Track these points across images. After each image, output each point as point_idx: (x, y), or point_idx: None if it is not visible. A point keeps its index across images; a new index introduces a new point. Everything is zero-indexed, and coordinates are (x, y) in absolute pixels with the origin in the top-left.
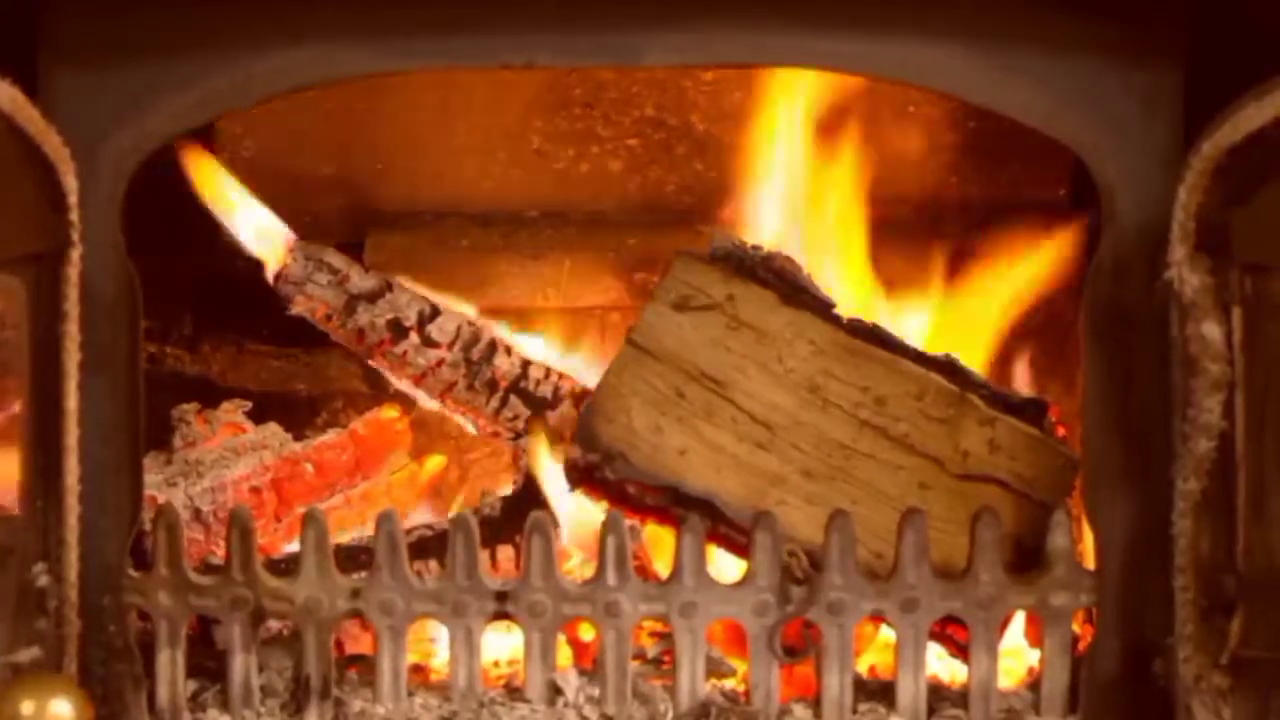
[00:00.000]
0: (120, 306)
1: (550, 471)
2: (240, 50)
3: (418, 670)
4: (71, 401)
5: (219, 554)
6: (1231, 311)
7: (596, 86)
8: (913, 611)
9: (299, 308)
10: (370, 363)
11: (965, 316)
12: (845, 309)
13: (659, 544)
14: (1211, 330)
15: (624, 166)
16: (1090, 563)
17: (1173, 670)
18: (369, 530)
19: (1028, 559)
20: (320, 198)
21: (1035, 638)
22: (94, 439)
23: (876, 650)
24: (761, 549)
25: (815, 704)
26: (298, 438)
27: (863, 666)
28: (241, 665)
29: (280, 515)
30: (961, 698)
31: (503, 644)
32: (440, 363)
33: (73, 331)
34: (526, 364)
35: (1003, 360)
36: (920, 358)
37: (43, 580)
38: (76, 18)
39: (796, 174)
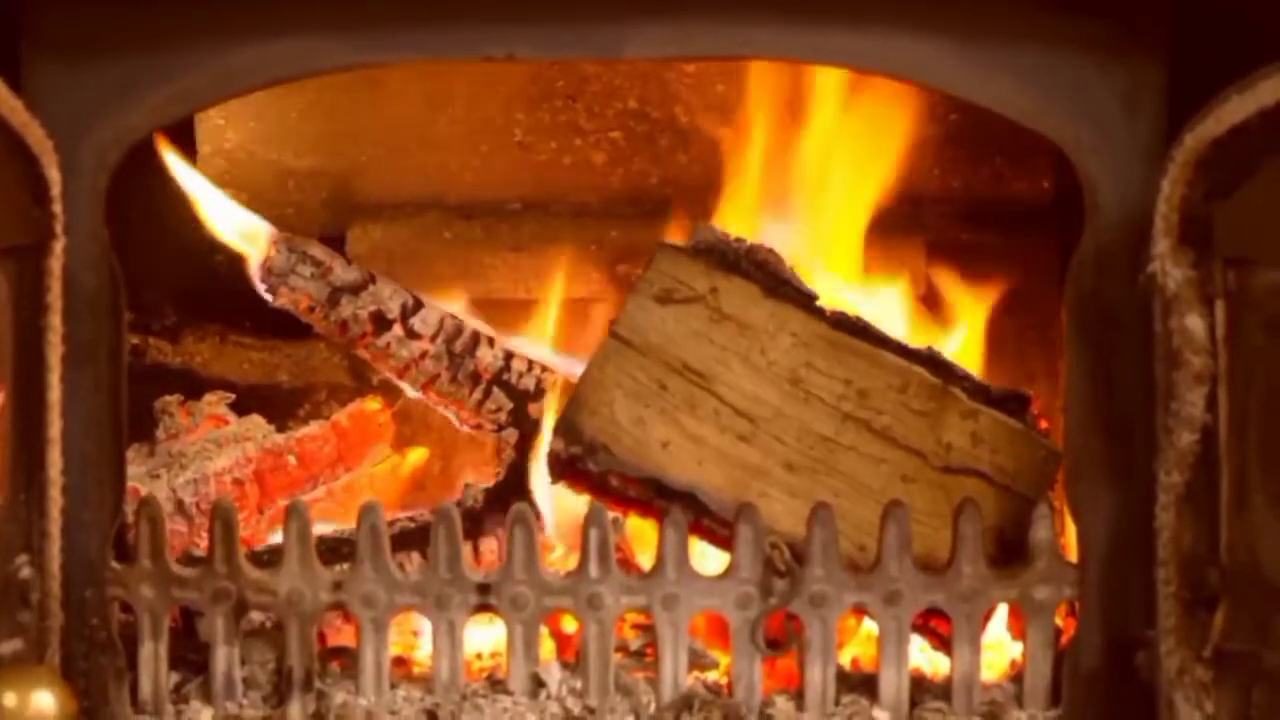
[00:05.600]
0: (103, 299)
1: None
2: (221, 43)
3: (400, 663)
4: (54, 394)
5: (202, 546)
6: (1214, 305)
7: (579, 79)
8: (895, 604)
9: (282, 300)
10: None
11: (948, 306)
12: (828, 301)
13: (641, 536)
14: (1194, 323)
15: (607, 159)
16: (1073, 556)
17: (1155, 663)
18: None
19: (1010, 552)
20: (302, 190)
21: (1018, 631)
22: (76, 431)
23: (859, 643)
24: (744, 541)
25: (797, 696)
26: (280, 430)
27: (845, 659)
28: (224, 657)
29: (263, 507)
30: (944, 690)
31: (485, 636)
32: (423, 355)
33: (55, 324)
34: (509, 356)
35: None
36: (903, 350)
37: (25, 573)
38: (59, 11)
39: (780, 166)
